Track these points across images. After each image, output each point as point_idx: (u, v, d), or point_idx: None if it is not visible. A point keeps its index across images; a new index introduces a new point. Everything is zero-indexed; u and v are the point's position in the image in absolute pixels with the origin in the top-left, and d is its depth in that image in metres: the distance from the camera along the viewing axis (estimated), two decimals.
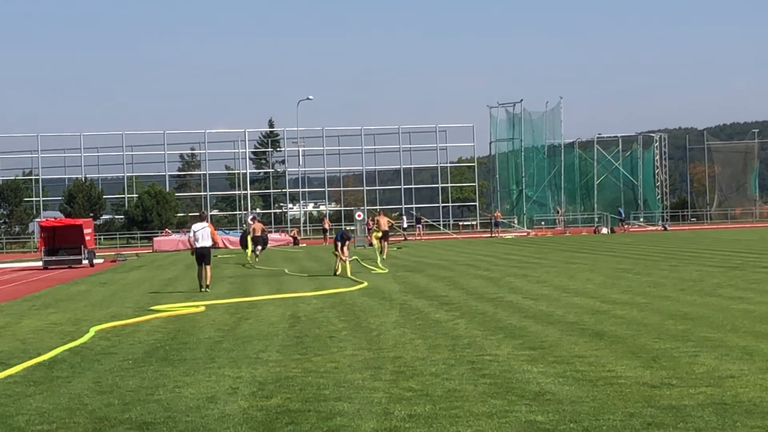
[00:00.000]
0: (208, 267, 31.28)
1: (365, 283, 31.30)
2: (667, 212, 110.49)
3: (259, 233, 55.54)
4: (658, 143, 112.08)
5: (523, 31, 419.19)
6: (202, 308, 24.43)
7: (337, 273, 36.70)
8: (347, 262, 37.42)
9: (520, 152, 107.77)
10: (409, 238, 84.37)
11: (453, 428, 10.40)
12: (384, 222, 53.97)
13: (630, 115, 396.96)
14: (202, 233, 31.54)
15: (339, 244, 37.58)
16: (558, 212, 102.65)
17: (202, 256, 31.23)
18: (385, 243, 51.07)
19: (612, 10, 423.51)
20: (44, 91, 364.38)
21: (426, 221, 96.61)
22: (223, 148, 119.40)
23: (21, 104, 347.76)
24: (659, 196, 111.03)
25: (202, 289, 30.63)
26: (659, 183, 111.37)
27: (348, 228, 42.39)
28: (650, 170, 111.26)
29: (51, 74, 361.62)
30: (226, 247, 75.25)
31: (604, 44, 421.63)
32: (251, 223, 62.12)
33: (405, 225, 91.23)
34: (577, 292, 26.10)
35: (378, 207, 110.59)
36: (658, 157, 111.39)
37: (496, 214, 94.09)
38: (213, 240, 31.72)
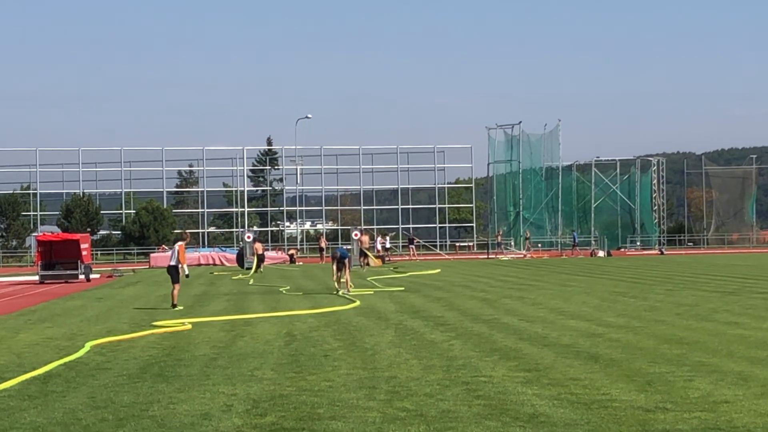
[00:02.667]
0: (174, 285, 31.43)
1: (357, 302, 31.39)
2: (663, 236, 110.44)
3: (261, 251, 62.33)
4: (656, 167, 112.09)
5: (523, 54, 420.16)
6: (188, 326, 24.39)
7: (344, 291, 36.57)
8: (346, 279, 37.33)
9: (517, 174, 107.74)
10: (403, 259, 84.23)
11: None
12: (365, 240, 64.99)
13: (628, 139, 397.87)
14: (172, 252, 31.98)
15: (337, 263, 37.63)
16: (527, 236, 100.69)
17: (169, 275, 31.67)
18: (365, 259, 62.07)
19: (612, 35, 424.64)
20: (43, 105, 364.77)
21: (419, 242, 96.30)
22: (221, 166, 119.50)
23: (19, 118, 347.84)
24: (656, 220, 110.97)
25: (176, 307, 30.69)
26: (656, 207, 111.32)
27: (345, 247, 41.93)
28: (648, 194, 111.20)
29: (50, 89, 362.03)
30: (222, 264, 75.72)
31: (604, 68, 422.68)
32: (252, 242, 64.25)
33: (388, 245, 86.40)
34: (572, 314, 26.10)
35: (375, 227, 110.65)
36: (655, 181, 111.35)
37: (498, 235, 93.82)
38: (178, 260, 31.70)
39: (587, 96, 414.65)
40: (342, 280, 37.53)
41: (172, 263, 31.56)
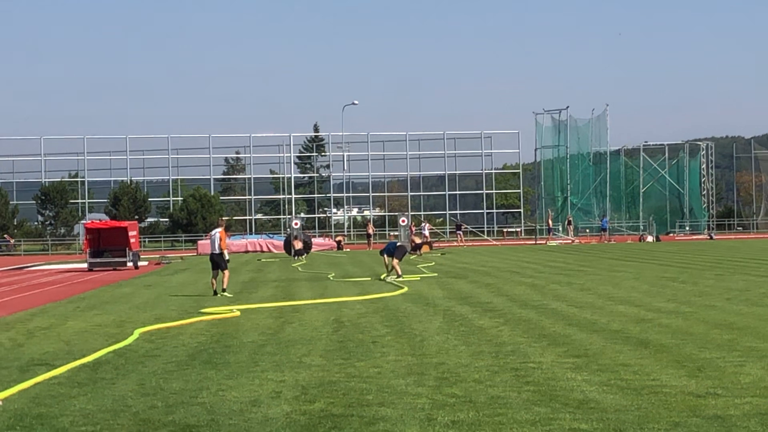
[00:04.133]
0: (223, 272, 31.23)
1: (405, 288, 31.37)
2: (713, 221, 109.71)
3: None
4: (704, 152, 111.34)
5: (570, 38, 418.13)
6: (237, 313, 24.40)
7: (393, 277, 36.56)
8: (395, 269, 37.35)
9: (565, 159, 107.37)
10: (451, 245, 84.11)
11: None
12: (416, 239, 64.50)
13: (676, 123, 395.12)
14: (213, 240, 31.78)
15: (386, 256, 37.72)
16: (569, 222, 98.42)
17: (213, 262, 31.56)
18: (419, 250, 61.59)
19: (659, 20, 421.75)
20: (91, 93, 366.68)
21: (466, 228, 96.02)
22: (268, 152, 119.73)
23: (68, 107, 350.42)
24: (705, 205, 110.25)
25: (217, 294, 30.61)
26: (705, 192, 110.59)
27: (399, 244, 40.40)
28: (696, 179, 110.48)
29: (98, 78, 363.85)
30: (270, 251, 76.10)
31: (651, 52, 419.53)
32: (298, 228, 65.77)
33: (426, 231, 79.06)
34: (621, 300, 25.95)
35: (422, 213, 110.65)
36: (704, 166, 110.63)
37: (549, 220, 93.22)
38: (220, 247, 31.43)
39: (635, 80, 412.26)
40: (390, 268, 37.55)
41: (216, 251, 31.42)
